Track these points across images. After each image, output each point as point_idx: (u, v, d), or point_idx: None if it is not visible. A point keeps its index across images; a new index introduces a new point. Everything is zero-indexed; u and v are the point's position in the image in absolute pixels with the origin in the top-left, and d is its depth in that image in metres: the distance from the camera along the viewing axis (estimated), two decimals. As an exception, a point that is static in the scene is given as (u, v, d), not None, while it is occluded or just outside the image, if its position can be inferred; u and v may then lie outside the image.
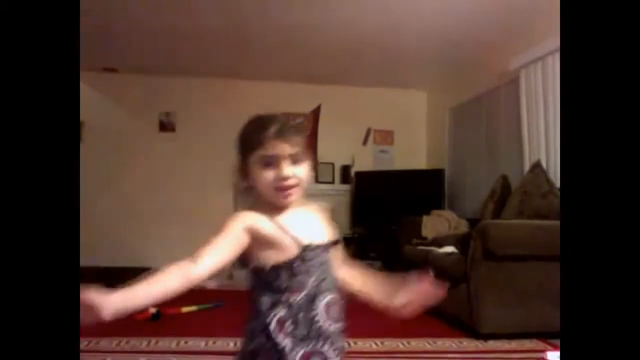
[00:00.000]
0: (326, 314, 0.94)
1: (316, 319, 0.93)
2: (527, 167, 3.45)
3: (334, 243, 1.02)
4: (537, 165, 3.20)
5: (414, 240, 3.78)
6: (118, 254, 5.11)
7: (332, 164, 5.58)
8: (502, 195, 3.50)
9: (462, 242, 2.89)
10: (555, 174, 3.19)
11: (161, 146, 5.42)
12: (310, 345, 0.92)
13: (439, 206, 4.61)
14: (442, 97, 5.41)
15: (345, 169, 5.56)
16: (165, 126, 5.49)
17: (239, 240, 0.93)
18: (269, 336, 0.91)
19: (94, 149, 4.84)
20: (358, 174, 5.40)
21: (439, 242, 3.41)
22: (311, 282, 0.94)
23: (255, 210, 0.96)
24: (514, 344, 2.45)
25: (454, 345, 2.44)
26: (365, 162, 5.56)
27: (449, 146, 5.15)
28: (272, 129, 0.94)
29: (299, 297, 0.93)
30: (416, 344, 2.43)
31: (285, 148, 0.94)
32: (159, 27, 4.05)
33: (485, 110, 4.42)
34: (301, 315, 0.92)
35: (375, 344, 2.41)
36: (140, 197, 5.35)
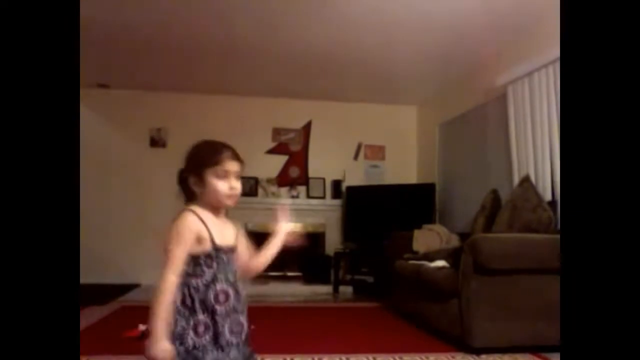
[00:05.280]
0: (214, 299, 1.20)
1: (208, 301, 1.20)
2: (516, 181, 3.49)
3: (234, 249, 1.31)
4: (526, 180, 3.23)
5: (406, 255, 3.78)
6: (107, 270, 5.06)
7: (323, 179, 5.59)
8: (492, 209, 3.52)
9: (453, 256, 2.89)
10: (543, 187, 3.22)
11: (152, 162, 5.40)
12: (203, 316, 1.19)
13: (430, 220, 4.63)
14: (432, 112, 5.47)
15: (337, 184, 5.57)
16: (156, 142, 5.48)
17: (189, 245, 1.21)
18: (177, 309, 1.19)
19: (84, 164, 4.80)
20: (349, 189, 5.42)
21: (430, 256, 3.42)
22: (210, 273, 1.22)
23: (201, 208, 1.26)
24: (506, 358, 2.45)
25: (446, 360, 2.44)
26: (356, 177, 5.59)
27: (439, 161, 5.19)
28: (228, 152, 1.27)
29: (198, 282, 1.21)
30: (408, 359, 2.42)
31: (235, 166, 1.27)
32: (150, 44, 4.07)
33: (474, 126, 4.47)
34: (196, 295, 1.19)
35: (368, 359, 2.40)
36: (130, 213, 5.31)
